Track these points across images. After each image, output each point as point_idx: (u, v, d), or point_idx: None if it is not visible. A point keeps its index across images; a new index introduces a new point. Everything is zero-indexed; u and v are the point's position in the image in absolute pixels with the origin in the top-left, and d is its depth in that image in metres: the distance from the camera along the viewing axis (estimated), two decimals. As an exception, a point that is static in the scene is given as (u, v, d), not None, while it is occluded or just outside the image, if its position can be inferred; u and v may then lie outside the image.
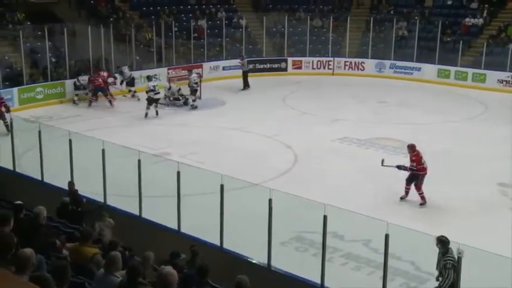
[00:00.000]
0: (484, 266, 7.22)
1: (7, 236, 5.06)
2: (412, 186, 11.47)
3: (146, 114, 17.71)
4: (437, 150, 14.81)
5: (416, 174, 11.36)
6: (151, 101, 17.73)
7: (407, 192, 11.55)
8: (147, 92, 17.85)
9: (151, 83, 18.08)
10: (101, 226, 8.46)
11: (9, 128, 15.78)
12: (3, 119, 14.95)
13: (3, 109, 15.51)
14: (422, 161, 11.39)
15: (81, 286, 5.73)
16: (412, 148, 11.56)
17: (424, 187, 12.08)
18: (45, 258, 5.90)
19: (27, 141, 11.35)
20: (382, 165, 11.47)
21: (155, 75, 20.19)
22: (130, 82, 20.47)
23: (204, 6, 27.13)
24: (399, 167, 11.47)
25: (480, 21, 25.18)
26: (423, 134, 16.32)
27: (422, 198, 11.36)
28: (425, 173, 11.36)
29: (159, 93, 18.00)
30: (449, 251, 7.14)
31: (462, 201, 11.56)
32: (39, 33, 20.47)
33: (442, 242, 7.21)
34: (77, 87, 19.54)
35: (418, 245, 8.17)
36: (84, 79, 19.50)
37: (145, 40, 23.85)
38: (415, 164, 11.34)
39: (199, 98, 19.81)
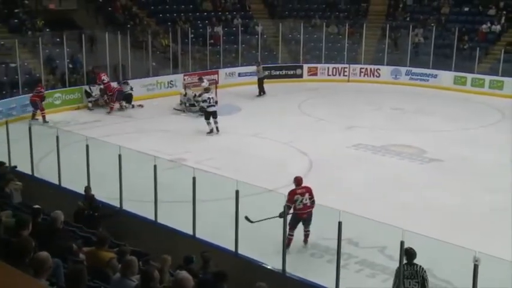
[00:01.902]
0: (504, 274, 7.11)
1: (25, 240, 5.13)
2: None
3: (211, 130, 16.68)
4: (453, 157, 14.74)
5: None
6: (208, 115, 16.77)
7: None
8: (203, 106, 17.07)
9: (206, 95, 17.15)
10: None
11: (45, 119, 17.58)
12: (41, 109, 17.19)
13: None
14: (295, 197, 9.38)
15: (97, 290, 5.77)
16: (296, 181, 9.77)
17: (441, 193, 12.00)
18: (62, 262, 5.96)
19: (45, 147, 11.46)
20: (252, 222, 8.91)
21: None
22: (127, 97, 19.94)
23: (220, 13, 27.24)
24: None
25: (498, 28, 24.97)
26: (439, 141, 16.26)
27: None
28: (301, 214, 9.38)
29: (214, 105, 16.77)
30: (412, 265, 7.04)
31: (480, 208, 11.45)
32: (58, 40, 20.73)
33: (408, 254, 7.07)
34: (88, 95, 19.73)
35: (434, 253, 8.09)
36: (95, 88, 19.72)
37: (161, 47, 24.03)
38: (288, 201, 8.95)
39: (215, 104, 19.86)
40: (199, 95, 18.19)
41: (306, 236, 9.65)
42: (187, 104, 19.42)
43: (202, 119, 17.34)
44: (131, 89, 19.99)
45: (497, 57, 23.27)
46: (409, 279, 7.07)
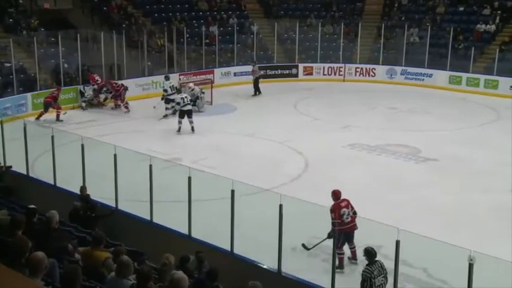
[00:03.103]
0: (499, 273, 7.13)
1: (21, 240, 5.12)
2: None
3: (179, 129, 16.81)
4: (448, 156, 14.78)
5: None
6: (182, 114, 16.84)
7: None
8: (178, 104, 17.09)
9: (178, 96, 17.35)
10: None
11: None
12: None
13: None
14: (341, 211, 8.95)
15: (93, 290, 5.76)
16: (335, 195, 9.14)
17: (436, 193, 12.04)
18: (58, 262, 5.95)
19: (41, 146, 11.43)
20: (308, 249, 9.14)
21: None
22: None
23: (215, 13, 27.23)
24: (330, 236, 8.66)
25: (492, 27, 25.05)
26: (434, 140, 16.30)
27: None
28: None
29: (189, 104, 16.98)
30: (374, 263, 7.19)
31: (475, 208, 11.49)
32: (53, 39, 20.69)
33: (368, 253, 7.27)
34: (82, 95, 19.73)
35: (431, 252, 8.12)
36: (89, 88, 19.73)
37: (157, 46, 24.00)
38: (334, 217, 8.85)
39: (210, 104, 19.91)
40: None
41: (354, 252, 9.09)
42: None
43: (198, 118, 17.36)
44: (126, 88, 19.95)
45: (492, 56, 23.35)
46: (378, 277, 7.22)
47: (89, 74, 20.23)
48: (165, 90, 18.74)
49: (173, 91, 18.74)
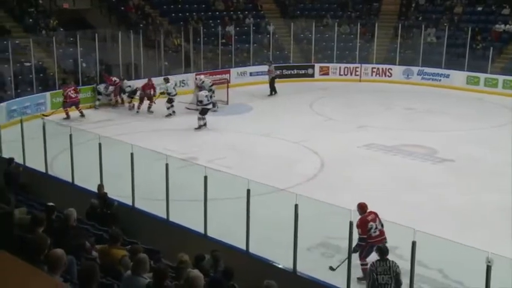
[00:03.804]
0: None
1: (41, 237, 5.20)
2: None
3: (200, 127, 17.07)
4: (465, 157, 14.65)
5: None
6: (205, 112, 17.14)
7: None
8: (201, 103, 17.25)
9: (203, 93, 17.50)
10: None
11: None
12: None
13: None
14: (369, 226, 8.51)
15: (109, 287, 5.82)
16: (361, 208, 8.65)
17: (452, 193, 11.95)
18: (76, 259, 6.02)
19: (59, 145, 11.56)
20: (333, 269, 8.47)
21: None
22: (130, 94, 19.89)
23: (232, 13, 27.28)
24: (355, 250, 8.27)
25: (511, 27, 24.76)
26: (451, 141, 16.17)
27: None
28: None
29: (211, 103, 17.46)
30: (384, 261, 7.15)
31: (492, 208, 11.37)
32: (72, 39, 20.89)
33: (380, 251, 7.24)
34: (98, 93, 19.85)
35: (446, 253, 8.06)
36: (104, 86, 19.81)
37: (174, 46, 24.11)
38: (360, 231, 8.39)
39: (226, 103, 19.96)
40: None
41: None
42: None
43: (215, 117, 17.44)
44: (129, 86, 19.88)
45: (511, 56, 23.07)
46: (382, 275, 7.14)
47: (106, 76, 20.34)
48: (169, 93, 18.71)
49: (176, 92, 18.81)
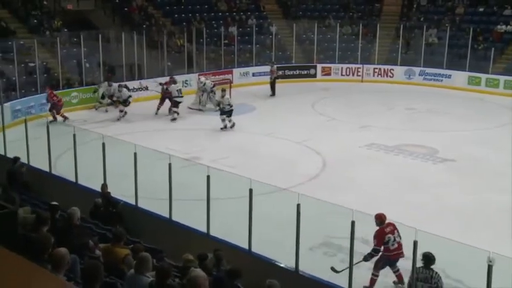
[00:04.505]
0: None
1: (45, 236, 5.20)
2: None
3: (225, 126, 17.10)
4: (466, 157, 14.63)
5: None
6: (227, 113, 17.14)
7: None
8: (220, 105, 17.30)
9: (228, 96, 17.55)
10: None
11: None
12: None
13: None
14: (386, 238, 8.17)
15: (113, 286, 5.82)
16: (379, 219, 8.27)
17: (453, 193, 11.92)
18: (79, 258, 6.02)
19: (63, 144, 11.57)
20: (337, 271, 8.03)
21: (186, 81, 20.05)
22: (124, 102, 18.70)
23: (234, 13, 27.28)
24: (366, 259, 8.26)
25: (513, 28, 24.74)
26: (452, 141, 16.14)
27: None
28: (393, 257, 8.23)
29: (229, 105, 17.25)
30: (428, 269, 6.99)
31: (493, 208, 11.35)
32: (75, 39, 20.92)
33: (427, 258, 7.03)
34: (102, 97, 19.66)
35: (448, 253, 8.04)
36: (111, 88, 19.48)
37: (176, 46, 24.12)
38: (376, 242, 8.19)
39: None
40: (222, 96, 17.74)
41: (399, 275, 8.30)
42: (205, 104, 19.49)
43: (218, 117, 17.44)
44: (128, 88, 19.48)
45: (512, 57, 23.07)
46: (422, 282, 6.98)
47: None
48: (176, 96, 18.49)
49: (180, 94, 18.63)
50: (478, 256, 6.14)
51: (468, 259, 7.36)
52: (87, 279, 4.72)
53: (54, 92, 18.08)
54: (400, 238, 8.13)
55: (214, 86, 19.76)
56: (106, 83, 19.60)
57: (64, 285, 3.56)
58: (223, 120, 17.02)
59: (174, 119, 18.26)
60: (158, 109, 19.03)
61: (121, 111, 18.40)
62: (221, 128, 17.03)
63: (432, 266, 7.22)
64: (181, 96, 18.69)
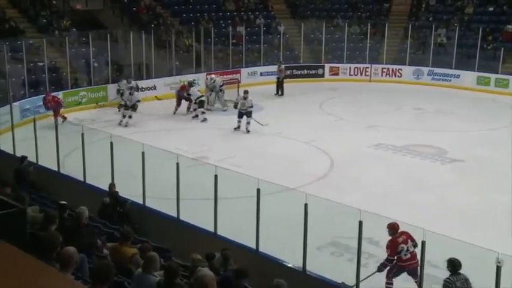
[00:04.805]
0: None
1: (53, 235, 5.22)
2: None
3: (239, 127, 16.99)
4: (475, 157, 14.55)
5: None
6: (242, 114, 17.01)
7: None
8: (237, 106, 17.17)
9: (251, 98, 17.07)
10: None
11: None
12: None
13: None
14: (399, 248, 7.99)
15: (120, 285, 5.84)
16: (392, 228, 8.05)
17: (462, 194, 11.85)
18: (87, 257, 6.05)
19: (71, 144, 11.62)
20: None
21: (194, 80, 19.97)
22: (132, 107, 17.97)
23: (242, 13, 27.26)
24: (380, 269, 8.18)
25: (522, 28, 24.58)
26: (461, 141, 16.07)
27: None
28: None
29: (251, 106, 17.02)
30: (458, 275, 6.80)
31: (501, 209, 11.27)
32: (84, 39, 21.01)
33: (452, 264, 6.90)
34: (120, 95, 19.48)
35: (456, 254, 8.00)
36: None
37: (184, 46, 24.15)
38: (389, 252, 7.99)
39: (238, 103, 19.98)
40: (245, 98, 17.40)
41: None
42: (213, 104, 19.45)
43: (226, 117, 17.45)
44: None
45: (522, 57, 22.93)
46: None
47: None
48: (198, 97, 18.50)
49: (201, 94, 18.72)
50: (486, 257, 6.11)
51: (476, 260, 7.31)
52: (97, 278, 4.74)
53: (53, 94, 17.60)
54: (415, 247, 7.89)
55: (223, 84, 19.77)
56: (125, 80, 19.36)
57: (72, 284, 3.58)
58: (239, 121, 16.86)
59: (204, 120, 18.15)
60: (176, 109, 19.04)
61: (124, 116, 17.58)
62: (235, 128, 16.91)
63: (441, 266, 7.16)
64: (203, 95, 18.77)
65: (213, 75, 20.22)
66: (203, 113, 18.41)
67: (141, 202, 9.61)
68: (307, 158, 14.64)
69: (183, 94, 18.90)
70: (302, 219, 7.41)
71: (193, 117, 18.49)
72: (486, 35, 24.27)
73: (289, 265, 7.88)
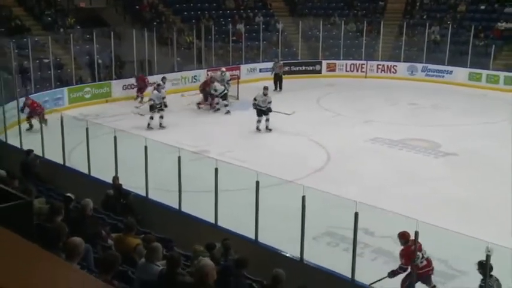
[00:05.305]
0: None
1: (60, 225, 5.23)
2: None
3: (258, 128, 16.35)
4: (468, 151, 14.56)
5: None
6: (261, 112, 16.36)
7: None
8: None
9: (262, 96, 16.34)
10: None
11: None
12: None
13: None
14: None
15: (124, 274, 5.86)
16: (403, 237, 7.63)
17: (455, 187, 11.87)
18: (92, 247, 6.06)
19: (76, 138, 11.62)
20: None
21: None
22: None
23: (242, 11, 27.23)
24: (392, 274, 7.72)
25: (513, 25, 24.57)
26: (454, 135, 16.08)
27: None
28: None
29: (270, 102, 16.39)
30: (491, 277, 6.56)
31: (493, 202, 11.30)
32: (88, 36, 20.97)
33: (483, 267, 6.60)
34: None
35: (449, 244, 8.04)
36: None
37: (186, 43, 24.12)
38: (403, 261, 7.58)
39: (237, 99, 19.96)
40: (265, 94, 16.89)
41: None
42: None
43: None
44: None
45: (513, 54, 22.94)
46: None
47: (142, 77, 19.86)
48: (223, 91, 18.50)
49: (224, 88, 18.72)
50: (477, 247, 6.13)
51: (469, 250, 7.33)
52: (103, 267, 4.76)
53: (33, 99, 16.31)
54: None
55: (230, 79, 19.78)
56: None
57: (77, 273, 3.58)
58: (259, 121, 16.33)
59: (228, 112, 18.24)
60: (203, 105, 19.01)
61: (152, 118, 16.55)
62: (257, 129, 16.40)
63: (435, 257, 7.13)
64: (225, 88, 18.76)
65: (223, 69, 20.14)
66: (226, 105, 18.48)
67: (144, 194, 9.62)
68: (305, 152, 14.64)
69: (209, 91, 18.71)
70: (299, 210, 7.42)
71: (215, 110, 18.50)
72: (478, 33, 24.26)
73: (287, 255, 7.90)
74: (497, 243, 6.09)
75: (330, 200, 9.22)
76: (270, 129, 16.44)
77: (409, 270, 7.54)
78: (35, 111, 15.63)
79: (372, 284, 7.26)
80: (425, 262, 7.58)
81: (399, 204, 10.21)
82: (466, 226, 9.28)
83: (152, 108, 16.63)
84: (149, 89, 19.17)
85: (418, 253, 7.45)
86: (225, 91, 18.68)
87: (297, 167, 13.03)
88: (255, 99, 16.54)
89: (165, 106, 16.84)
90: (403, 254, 7.52)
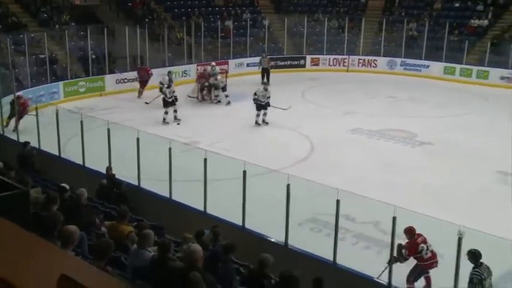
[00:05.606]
0: (486, 249, 7.09)
1: (55, 214, 5.20)
2: None
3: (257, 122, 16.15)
4: (443, 141, 14.69)
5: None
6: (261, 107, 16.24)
7: None
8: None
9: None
10: None
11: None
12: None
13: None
14: (419, 248, 7.57)
15: (118, 260, 5.85)
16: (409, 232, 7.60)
17: (430, 174, 11.98)
18: (86, 234, 6.04)
19: (71, 130, 11.52)
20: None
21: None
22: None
23: (230, 8, 27.13)
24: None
25: (485, 22, 24.71)
26: (430, 126, 16.19)
27: None
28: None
29: (269, 97, 16.21)
30: (481, 265, 6.55)
31: (467, 189, 11.43)
32: (82, 33, 20.77)
33: (473, 255, 6.59)
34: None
35: (425, 228, 8.10)
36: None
37: (176, 39, 23.97)
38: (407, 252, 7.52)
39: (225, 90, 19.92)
40: (265, 89, 16.70)
41: (428, 278, 7.68)
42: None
43: (215, 105, 17.29)
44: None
45: (484, 49, 23.08)
46: (487, 279, 6.56)
47: (145, 69, 19.68)
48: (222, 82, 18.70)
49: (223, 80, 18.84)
50: (451, 230, 6.20)
51: (443, 234, 7.40)
52: (97, 254, 4.74)
53: (24, 98, 15.24)
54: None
55: (220, 73, 19.76)
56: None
57: (72, 260, 3.57)
58: (258, 115, 16.16)
59: (228, 103, 18.35)
60: (203, 98, 18.96)
61: (167, 112, 16.32)
62: (256, 123, 16.14)
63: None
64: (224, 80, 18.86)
65: (213, 63, 20.04)
66: (227, 96, 18.47)
67: (136, 183, 9.58)
68: (290, 142, 14.66)
69: (209, 84, 18.68)
70: (285, 198, 7.44)
71: (216, 102, 18.44)
72: (453, 29, 24.40)
73: (272, 240, 7.93)
74: (468, 225, 6.15)
75: (313, 188, 9.25)
76: (267, 123, 16.36)
77: (408, 260, 7.50)
78: (25, 111, 14.36)
79: (378, 277, 7.11)
80: (430, 254, 7.53)
81: (379, 191, 10.27)
82: (443, 212, 9.38)
83: (166, 104, 16.37)
84: (150, 82, 19.36)
85: (423, 245, 7.45)
86: (225, 83, 18.70)
87: (282, 157, 13.05)
88: (255, 94, 16.43)
89: (176, 100, 16.67)
90: (407, 246, 7.48)
